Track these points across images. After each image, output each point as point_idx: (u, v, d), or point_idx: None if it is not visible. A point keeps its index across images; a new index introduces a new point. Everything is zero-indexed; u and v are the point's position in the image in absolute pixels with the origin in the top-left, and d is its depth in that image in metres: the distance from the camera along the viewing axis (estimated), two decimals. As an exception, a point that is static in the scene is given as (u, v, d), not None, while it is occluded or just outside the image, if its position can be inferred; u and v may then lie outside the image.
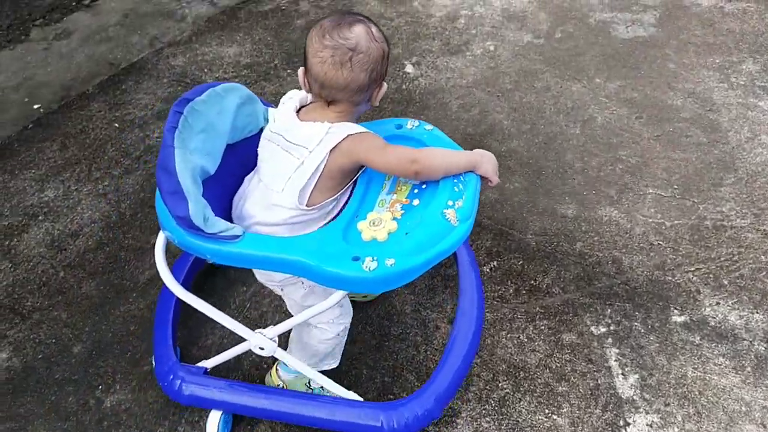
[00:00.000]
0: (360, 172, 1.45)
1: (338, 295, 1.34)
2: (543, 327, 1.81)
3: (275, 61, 2.76)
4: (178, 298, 1.62)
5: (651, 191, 2.17)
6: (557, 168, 2.25)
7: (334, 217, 1.43)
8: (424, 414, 1.48)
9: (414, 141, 1.52)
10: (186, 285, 1.80)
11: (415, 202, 1.38)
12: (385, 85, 1.43)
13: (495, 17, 2.90)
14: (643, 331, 1.79)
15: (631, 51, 2.69)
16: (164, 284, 1.47)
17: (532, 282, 1.93)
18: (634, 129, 2.37)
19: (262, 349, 1.48)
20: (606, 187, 2.18)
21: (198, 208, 1.28)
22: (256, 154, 1.49)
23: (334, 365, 1.64)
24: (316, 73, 1.36)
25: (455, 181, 1.39)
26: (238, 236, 1.31)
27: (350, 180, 1.44)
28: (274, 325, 1.49)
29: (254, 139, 1.51)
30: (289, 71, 2.69)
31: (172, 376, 1.58)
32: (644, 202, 2.13)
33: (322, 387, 1.58)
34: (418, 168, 1.35)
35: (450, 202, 1.34)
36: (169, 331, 1.69)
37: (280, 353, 1.50)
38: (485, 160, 1.42)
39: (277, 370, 1.68)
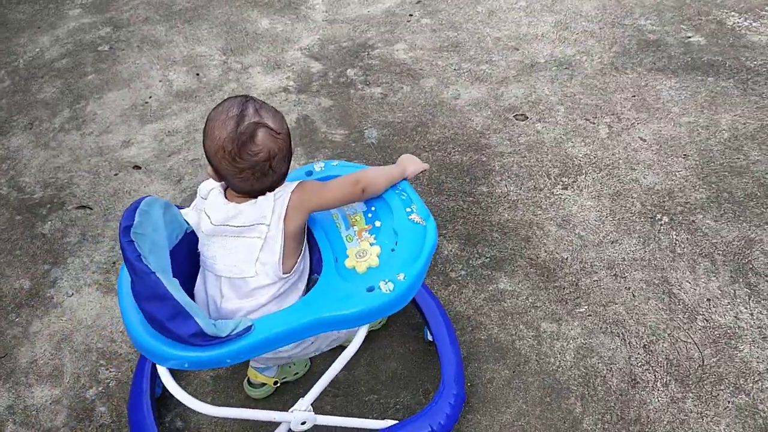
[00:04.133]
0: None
1: (365, 329, 1.44)
2: None
3: None
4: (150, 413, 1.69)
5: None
6: None
7: (309, 275, 1.54)
8: (457, 401, 1.65)
9: (331, 178, 1.58)
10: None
11: (377, 223, 1.53)
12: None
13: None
14: None
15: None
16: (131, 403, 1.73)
17: None
18: None
19: (304, 423, 1.50)
20: None
21: (206, 319, 1.26)
22: (186, 259, 1.48)
23: None
24: (243, 188, 1.41)
25: (396, 192, 1.56)
26: (250, 327, 1.30)
27: (305, 233, 1.51)
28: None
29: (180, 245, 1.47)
30: None
31: None
32: None
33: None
34: (364, 185, 1.50)
35: (408, 209, 1.51)
36: None
37: (321, 419, 1.53)
38: (407, 164, 1.62)
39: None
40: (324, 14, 3.53)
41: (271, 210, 1.40)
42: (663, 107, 2.69)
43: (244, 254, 1.42)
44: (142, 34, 3.53)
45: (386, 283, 1.36)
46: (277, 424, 1.55)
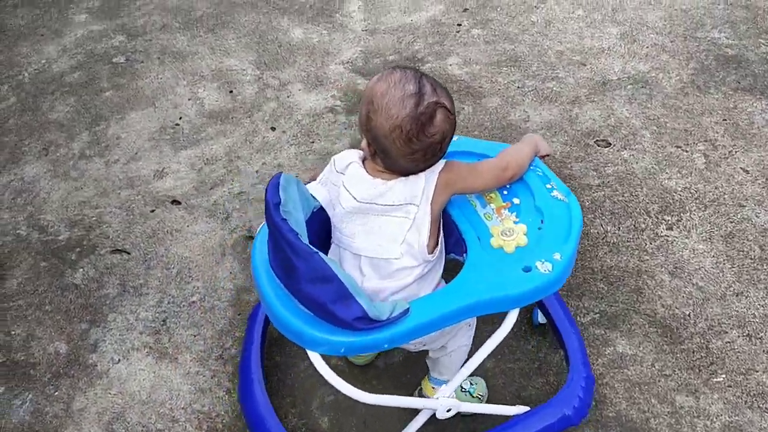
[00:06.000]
0: None
1: (516, 312, 1.37)
2: None
3: None
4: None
5: None
6: None
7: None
8: (587, 382, 1.61)
9: (459, 155, 1.59)
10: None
11: (516, 201, 1.47)
12: None
13: None
14: None
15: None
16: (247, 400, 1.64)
17: None
18: None
19: (449, 410, 1.48)
20: None
21: (368, 301, 1.18)
22: (315, 237, 1.36)
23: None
24: (406, 167, 1.33)
25: (531, 168, 1.51)
26: (407, 309, 1.23)
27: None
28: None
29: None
30: None
31: None
32: None
33: (470, 383, 1.68)
34: (512, 173, 1.47)
35: (548, 186, 1.47)
36: None
37: (465, 406, 1.52)
38: (539, 142, 1.58)
39: (430, 386, 1.64)
40: (363, 23, 3.23)
41: (421, 190, 1.33)
42: (759, 133, 2.45)
43: (390, 234, 1.34)
44: (161, 45, 3.19)
45: (543, 263, 1.31)
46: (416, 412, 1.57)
